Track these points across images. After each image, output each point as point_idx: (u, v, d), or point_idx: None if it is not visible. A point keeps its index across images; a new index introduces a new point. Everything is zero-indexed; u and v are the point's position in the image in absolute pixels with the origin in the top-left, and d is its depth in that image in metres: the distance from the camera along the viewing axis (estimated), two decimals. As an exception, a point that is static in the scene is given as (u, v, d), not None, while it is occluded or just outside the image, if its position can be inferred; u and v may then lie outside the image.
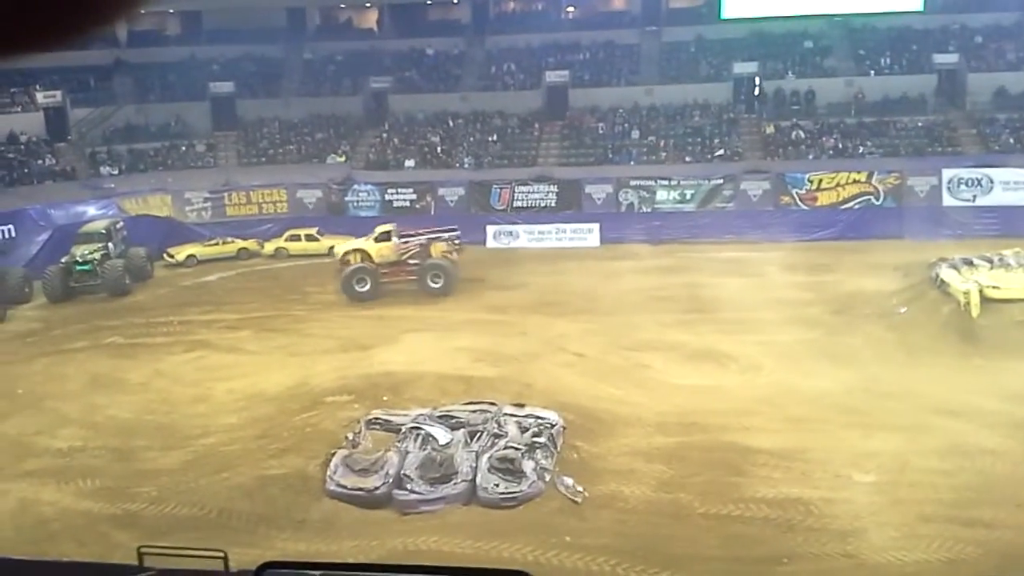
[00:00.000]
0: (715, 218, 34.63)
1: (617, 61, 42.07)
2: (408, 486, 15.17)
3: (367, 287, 27.79)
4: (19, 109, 38.54)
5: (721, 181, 35.37)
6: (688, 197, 35.52)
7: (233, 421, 18.90)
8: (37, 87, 38.72)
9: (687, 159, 37.10)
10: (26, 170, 36.07)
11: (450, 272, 28.30)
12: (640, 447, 16.85)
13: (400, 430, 16.67)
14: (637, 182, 36.00)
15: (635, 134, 38.63)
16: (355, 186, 37.49)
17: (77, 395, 20.91)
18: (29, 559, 11.79)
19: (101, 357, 23.51)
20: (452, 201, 36.94)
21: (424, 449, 15.90)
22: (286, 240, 34.51)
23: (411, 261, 28.46)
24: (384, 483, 15.23)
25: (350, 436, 16.89)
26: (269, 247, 34.62)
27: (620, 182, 36.04)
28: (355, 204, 37.40)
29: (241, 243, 34.61)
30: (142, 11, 1.12)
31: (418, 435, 16.28)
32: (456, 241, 29.12)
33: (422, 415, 17.19)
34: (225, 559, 11.28)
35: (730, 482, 15.25)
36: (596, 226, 34.95)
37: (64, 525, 15.08)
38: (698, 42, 41.46)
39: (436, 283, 28.10)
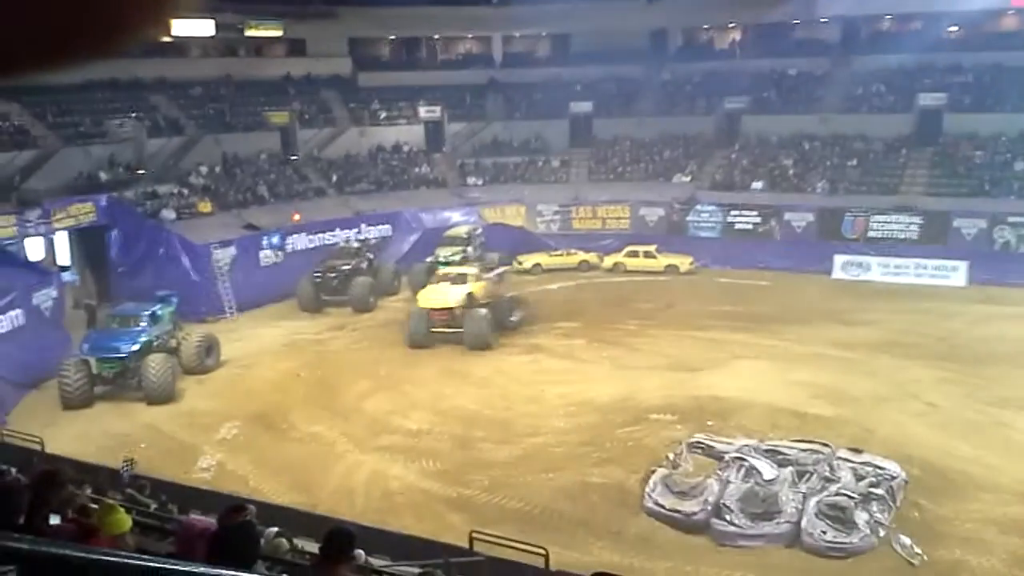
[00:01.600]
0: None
1: (1004, 85, 37.61)
2: (727, 517, 14.74)
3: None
4: (404, 122, 43.33)
5: None
6: (1080, 239, 30.84)
7: (562, 425, 19.65)
8: (421, 102, 43.34)
9: (1082, 196, 32.23)
10: (405, 177, 40.43)
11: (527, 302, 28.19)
12: (994, 515, 14.95)
13: (723, 458, 16.27)
14: (1017, 219, 31.97)
15: (1019, 166, 34.33)
16: (698, 206, 37.30)
17: (429, 382, 22.95)
18: (375, 527, 13.18)
19: (452, 350, 25.58)
20: (799, 227, 35.39)
21: (747, 481, 15.35)
22: (625, 255, 35.23)
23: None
24: (703, 509, 14.94)
25: (671, 456, 16.83)
26: (608, 261, 35.57)
27: (996, 218, 32.27)
28: (696, 224, 37.22)
29: (583, 255, 35.94)
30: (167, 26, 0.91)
31: (742, 466, 15.76)
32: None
33: (747, 446, 16.63)
34: (547, 557, 11.79)
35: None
36: (963, 264, 31.50)
37: (406, 500, 16.62)
38: (1110, 63, 35.82)
39: (517, 316, 27.43)
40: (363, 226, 35.53)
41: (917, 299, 29.34)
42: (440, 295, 26.55)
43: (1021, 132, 35.21)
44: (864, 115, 38.96)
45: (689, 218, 37.34)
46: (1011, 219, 32.05)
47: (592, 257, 35.92)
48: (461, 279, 27.12)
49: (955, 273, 31.62)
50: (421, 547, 12.37)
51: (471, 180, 41.04)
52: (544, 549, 11.89)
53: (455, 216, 37.51)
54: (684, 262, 34.52)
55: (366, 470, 17.93)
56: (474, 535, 12.38)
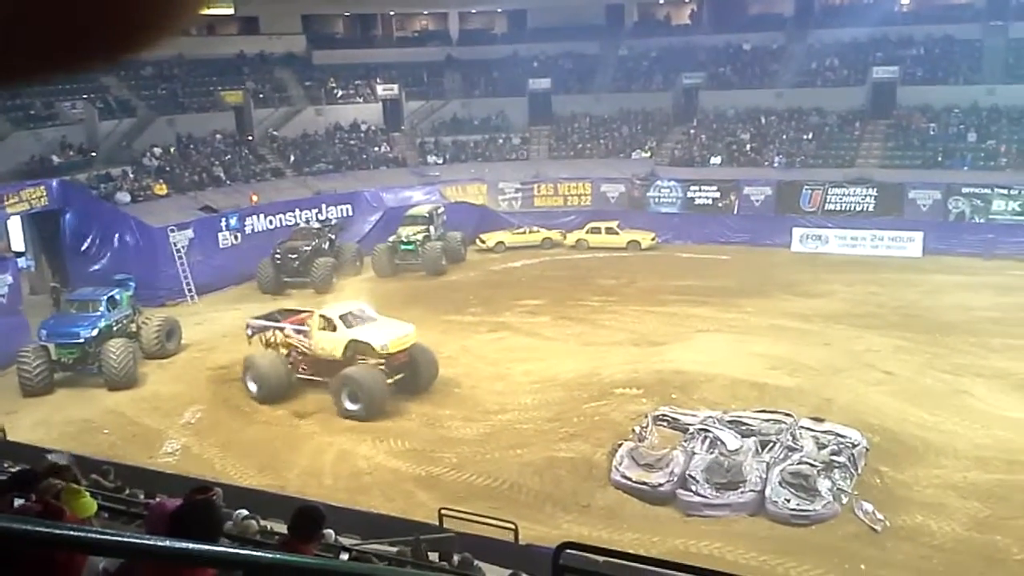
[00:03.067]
0: (1064, 234, 30.41)
1: (955, 58, 38.23)
2: (693, 487, 14.96)
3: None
4: (361, 100, 42.81)
5: (1075, 192, 30.98)
6: (1031, 209, 31.53)
7: (528, 401, 19.73)
8: (378, 80, 42.87)
9: (1032, 166, 32.91)
10: (364, 156, 40.04)
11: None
12: (953, 480, 15.34)
13: (688, 430, 16.47)
14: (970, 189, 32.59)
15: (971, 137, 34.95)
16: (658, 182, 37.47)
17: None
18: (344, 506, 13.17)
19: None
20: (758, 201, 35.74)
21: (711, 452, 15.58)
22: (587, 232, 35.36)
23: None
24: (668, 481, 15.15)
25: (637, 429, 16.99)
26: (571, 238, 35.67)
27: (950, 189, 32.85)
28: (656, 200, 37.41)
29: (546, 233, 36.01)
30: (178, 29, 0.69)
31: (706, 437, 15.99)
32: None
33: (711, 417, 16.85)
34: (516, 531, 11.85)
35: (1062, 533, 13.37)
36: (919, 235, 32.10)
37: (375, 479, 16.61)
38: (1055, 37, 36.49)
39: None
40: (323, 206, 35.14)
41: (874, 270, 29.85)
42: (397, 332, 20.36)
43: (973, 104, 35.83)
44: (819, 89, 39.34)
45: (649, 194, 37.49)
46: (965, 190, 32.64)
47: (555, 234, 35.99)
48: (360, 312, 21.21)
49: (911, 244, 32.22)
50: (391, 525, 12.38)
51: (431, 159, 40.77)
52: (513, 523, 11.97)
53: (416, 195, 37.26)
54: (646, 238, 34.74)
55: (334, 451, 17.87)
56: (443, 512, 12.43)
